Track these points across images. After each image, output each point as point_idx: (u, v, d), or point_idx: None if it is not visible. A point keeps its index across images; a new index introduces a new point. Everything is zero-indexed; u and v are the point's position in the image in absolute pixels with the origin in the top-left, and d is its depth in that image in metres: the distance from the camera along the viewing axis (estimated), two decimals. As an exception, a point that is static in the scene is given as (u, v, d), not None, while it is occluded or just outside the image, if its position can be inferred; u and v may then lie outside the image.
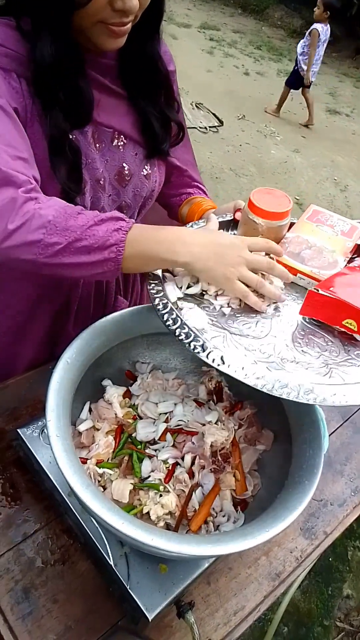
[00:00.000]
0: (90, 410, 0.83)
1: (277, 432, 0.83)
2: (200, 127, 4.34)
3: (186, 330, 0.68)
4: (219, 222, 0.92)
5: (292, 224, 0.93)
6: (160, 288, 0.74)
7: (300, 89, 5.27)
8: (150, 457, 0.78)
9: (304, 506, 0.66)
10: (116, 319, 0.81)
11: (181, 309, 0.73)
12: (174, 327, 0.68)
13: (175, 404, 0.83)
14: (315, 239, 0.87)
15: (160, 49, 0.91)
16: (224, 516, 0.76)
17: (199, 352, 0.66)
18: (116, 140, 0.91)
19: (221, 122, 4.52)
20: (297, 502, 0.67)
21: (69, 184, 0.83)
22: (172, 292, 0.75)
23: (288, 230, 0.90)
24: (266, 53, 6.48)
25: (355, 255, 0.92)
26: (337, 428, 1.09)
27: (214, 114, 4.60)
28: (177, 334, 0.68)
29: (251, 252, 0.74)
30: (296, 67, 5.21)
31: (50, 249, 0.67)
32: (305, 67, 5.09)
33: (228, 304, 0.75)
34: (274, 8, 7.69)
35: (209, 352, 0.65)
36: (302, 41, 5.13)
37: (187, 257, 0.71)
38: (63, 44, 0.75)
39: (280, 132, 4.70)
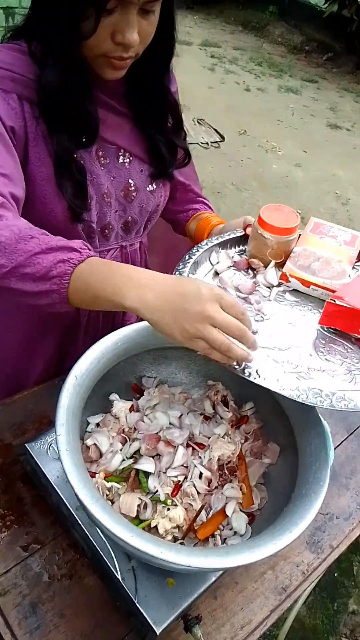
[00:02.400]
0: (97, 424, 0.84)
1: (283, 446, 0.84)
2: (202, 143, 4.39)
3: None
4: (231, 238, 0.97)
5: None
6: None
7: None
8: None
9: (310, 519, 0.66)
10: (124, 335, 0.82)
11: None
12: None
13: (181, 415, 0.84)
14: (322, 250, 0.91)
15: (170, 83, 0.94)
16: (230, 529, 0.76)
17: (235, 368, 0.67)
18: (122, 157, 0.93)
19: (222, 138, 4.57)
20: (303, 515, 0.67)
21: (74, 201, 0.85)
22: None
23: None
24: (267, 69, 6.55)
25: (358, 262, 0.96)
26: (342, 441, 1.10)
27: (215, 130, 4.65)
28: None
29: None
30: None
31: None
32: None
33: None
34: (274, 25, 7.80)
35: (244, 367, 0.67)
36: None
37: (135, 302, 0.62)
38: (70, 70, 0.78)
39: (282, 147, 4.74)
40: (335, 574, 1.74)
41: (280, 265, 0.91)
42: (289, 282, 0.88)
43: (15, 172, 0.76)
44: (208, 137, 4.54)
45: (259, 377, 0.66)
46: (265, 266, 0.92)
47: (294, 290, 0.88)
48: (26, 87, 0.78)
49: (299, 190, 4.12)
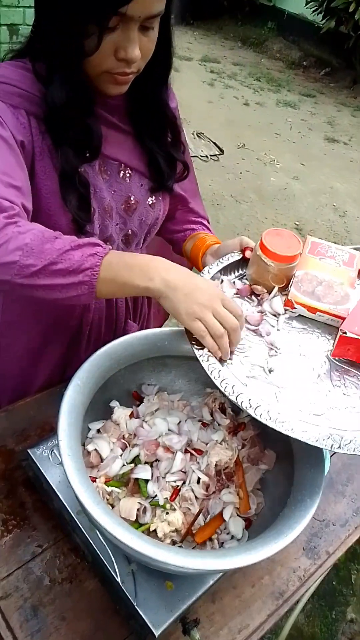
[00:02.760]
0: (98, 430, 0.86)
1: (280, 453, 0.86)
2: (201, 156, 4.44)
3: (245, 397, 0.70)
4: (230, 263, 0.96)
5: None
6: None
7: None
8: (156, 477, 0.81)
9: (305, 523, 0.68)
10: (124, 343, 0.84)
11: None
12: (233, 395, 0.71)
13: (179, 422, 0.86)
14: (323, 273, 0.91)
15: (168, 97, 0.97)
16: (228, 534, 0.78)
17: (266, 420, 0.68)
18: (122, 172, 0.96)
19: (222, 151, 4.63)
20: (299, 519, 0.69)
21: (79, 213, 0.88)
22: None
23: None
24: (265, 84, 6.64)
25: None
26: (338, 449, 1.12)
27: (214, 143, 4.71)
28: (237, 401, 0.70)
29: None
30: None
31: (26, 270, 0.68)
32: None
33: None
34: (272, 41, 7.92)
35: (276, 419, 0.68)
36: None
37: (160, 284, 0.72)
38: (73, 88, 0.81)
39: (280, 160, 4.80)
40: (334, 583, 1.75)
41: (282, 289, 0.91)
42: (295, 308, 0.88)
43: (26, 184, 0.79)
44: (207, 150, 4.60)
45: (292, 430, 0.68)
46: (269, 291, 0.92)
47: (300, 315, 0.89)
48: (32, 103, 0.81)
49: (297, 203, 4.17)
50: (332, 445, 0.67)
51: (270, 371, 0.78)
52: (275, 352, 0.81)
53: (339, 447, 0.67)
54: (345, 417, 0.73)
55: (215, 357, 0.74)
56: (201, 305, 0.72)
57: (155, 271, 0.72)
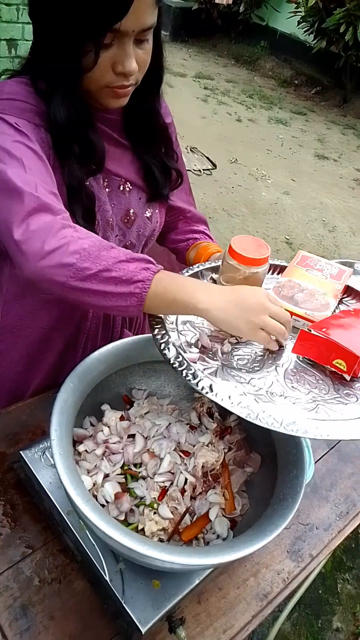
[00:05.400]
0: (89, 432, 0.88)
1: (264, 455, 0.88)
2: (194, 170, 4.51)
3: (180, 359, 0.73)
4: (218, 265, 0.97)
5: (282, 268, 0.99)
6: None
7: None
8: (144, 478, 0.83)
9: (287, 522, 0.71)
10: (116, 348, 0.87)
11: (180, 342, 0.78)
12: (169, 355, 0.74)
13: (168, 425, 0.89)
14: (307, 282, 0.92)
15: (160, 107, 1.02)
16: (214, 533, 0.80)
17: (189, 380, 0.70)
18: (122, 186, 1.00)
19: (214, 165, 4.70)
20: (281, 518, 0.72)
21: (84, 225, 0.90)
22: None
23: (280, 274, 0.97)
24: (257, 101, 6.76)
25: (346, 295, 0.98)
26: (323, 455, 1.14)
27: (207, 158, 4.79)
28: (171, 361, 0.73)
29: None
30: None
31: (81, 273, 0.70)
32: None
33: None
34: (265, 59, 8.08)
35: (199, 380, 0.70)
36: None
37: (207, 305, 0.74)
38: (74, 103, 0.84)
39: (271, 175, 4.88)
40: (320, 591, 1.76)
41: None
42: None
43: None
44: (200, 164, 4.67)
45: (211, 391, 0.69)
46: None
47: None
48: (42, 118, 0.84)
49: (287, 217, 4.24)
50: (249, 414, 0.66)
51: (223, 353, 0.79)
52: (237, 340, 0.82)
53: (256, 418, 0.66)
54: (281, 403, 0.71)
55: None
56: (258, 313, 0.74)
57: (202, 293, 0.75)
